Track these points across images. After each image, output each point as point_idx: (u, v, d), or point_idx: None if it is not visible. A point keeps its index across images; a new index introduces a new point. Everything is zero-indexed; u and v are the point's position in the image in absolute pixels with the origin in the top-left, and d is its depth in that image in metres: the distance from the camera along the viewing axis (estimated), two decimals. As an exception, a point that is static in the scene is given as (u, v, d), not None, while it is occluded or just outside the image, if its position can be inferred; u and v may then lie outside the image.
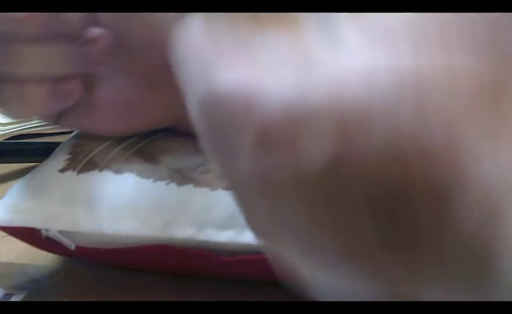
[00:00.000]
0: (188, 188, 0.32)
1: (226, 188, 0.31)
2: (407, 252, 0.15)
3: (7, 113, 0.32)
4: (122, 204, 0.32)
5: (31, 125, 0.62)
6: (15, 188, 0.34)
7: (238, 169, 0.17)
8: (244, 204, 0.18)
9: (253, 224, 0.19)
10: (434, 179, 0.15)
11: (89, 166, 0.33)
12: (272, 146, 0.15)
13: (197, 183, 0.32)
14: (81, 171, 0.33)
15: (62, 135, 0.57)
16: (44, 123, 0.62)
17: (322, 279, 0.17)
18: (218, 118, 0.17)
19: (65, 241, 0.32)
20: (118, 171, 0.33)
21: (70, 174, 0.33)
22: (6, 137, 0.61)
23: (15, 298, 0.32)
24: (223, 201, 0.31)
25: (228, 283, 0.33)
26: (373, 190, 0.15)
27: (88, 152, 0.34)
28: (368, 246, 0.16)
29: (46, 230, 0.32)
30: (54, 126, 0.62)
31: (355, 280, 0.17)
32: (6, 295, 0.33)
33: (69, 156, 0.34)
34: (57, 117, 0.34)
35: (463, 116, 0.15)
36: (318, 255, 0.17)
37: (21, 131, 0.62)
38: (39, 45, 0.29)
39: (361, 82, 0.15)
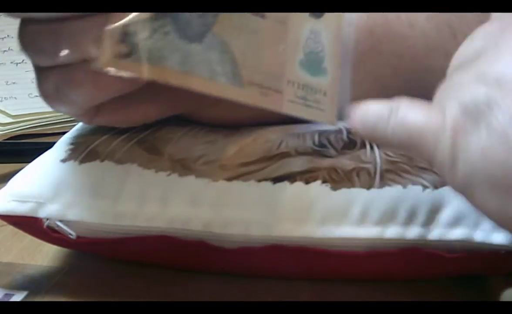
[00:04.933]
0: (190, 179, 0.32)
1: (228, 179, 0.31)
2: None
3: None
4: (123, 194, 0.32)
5: (31, 125, 0.62)
6: (16, 177, 0.34)
7: None
8: None
9: None
10: None
11: (91, 156, 0.33)
12: None
13: (198, 174, 0.32)
14: (83, 161, 0.33)
15: (62, 136, 0.56)
16: (44, 123, 0.62)
17: None
18: None
19: (66, 230, 0.32)
20: (120, 161, 0.33)
21: (72, 164, 0.33)
22: (6, 137, 0.61)
23: (15, 298, 0.32)
24: (224, 192, 0.31)
25: (228, 283, 0.33)
26: None
27: (90, 143, 0.34)
28: None
29: (47, 219, 0.32)
30: (55, 126, 0.62)
31: None
32: (6, 295, 0.32)
33: (71, 146, 0.35)
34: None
35: None
36: None
37: (21, 131, 0.62)
38: None
39: None
